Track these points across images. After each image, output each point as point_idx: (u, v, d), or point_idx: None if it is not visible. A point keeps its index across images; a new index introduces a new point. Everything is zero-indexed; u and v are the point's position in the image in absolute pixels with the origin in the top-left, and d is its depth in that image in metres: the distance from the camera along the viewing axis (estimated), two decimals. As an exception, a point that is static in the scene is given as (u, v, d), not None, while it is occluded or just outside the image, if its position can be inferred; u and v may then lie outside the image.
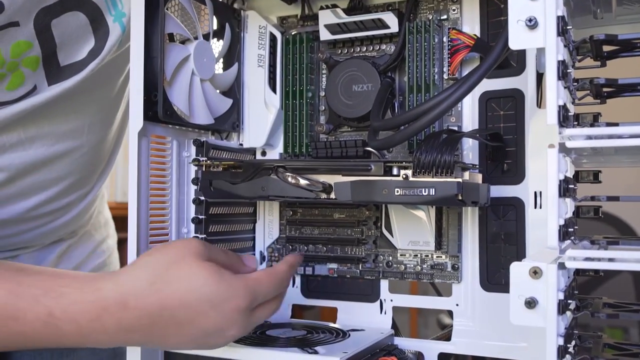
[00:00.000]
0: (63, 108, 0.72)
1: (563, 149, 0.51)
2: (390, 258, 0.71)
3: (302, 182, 0.60)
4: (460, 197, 0.55)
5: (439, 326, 1.73)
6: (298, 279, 0.76)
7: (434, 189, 0.55)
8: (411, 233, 0.70)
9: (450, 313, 0.70)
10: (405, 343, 0.70)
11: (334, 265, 0.74)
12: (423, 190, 0.56)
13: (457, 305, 0.69)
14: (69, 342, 0.54)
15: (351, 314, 0.74)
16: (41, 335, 0.53)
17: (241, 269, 0.59)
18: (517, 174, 0.65)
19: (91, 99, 0.75)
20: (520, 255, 0.64)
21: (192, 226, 0.68)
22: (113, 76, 0.78)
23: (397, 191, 0.57)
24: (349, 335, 0.67)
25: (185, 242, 0.57)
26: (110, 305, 0.53)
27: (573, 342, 0.55)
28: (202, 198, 0.68)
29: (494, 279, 0.66)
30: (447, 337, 0.69)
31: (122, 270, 0.56)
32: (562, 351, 0.48)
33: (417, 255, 0.70)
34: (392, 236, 0.71)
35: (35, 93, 0.69)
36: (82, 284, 0.54)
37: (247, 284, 0.55)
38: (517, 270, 0.48)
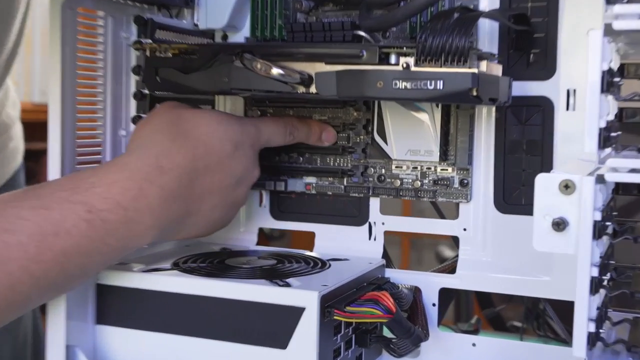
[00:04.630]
0: None
1: (609, 32, 0.50)
2: (383, 171, 0.72)
3: (275, 71, 0.59)
4: (475, 93, 0.54)
5: (438, 261, 1.76)
6: (266, 197, 0.77)
7: (442, 82, 0.55)
8: (410, 140, 0.70)
9: (455, 240, 0.70)
10: (399, 276, 0.71)
11: (312, 180, 0.74)
12: (428, 82, 0.55)
13: (464, 230, 0.69)
14: (115, 242, 0.57)
15: (333, 240, 0.74)
16: (86, 243, 0.55)
17: None
18: (546, 67, 0.65)
19: None
20: (546, 168, 0.64)
21: (132, 127, 0.68)
22: None
23: (396, 84, 0.56)
24: (330, 265, 0.68)
25: (160, 108, 0.66)
26: (149, 172, 0.59)
27: (609, 275, 0.56)
28: (146, 91, 0.68)
29: (512, 197, 0.67)
30: (451, 270, 0.70)
31: (130, 147, 0.63)
32: (595, 284, 0.49)
33: (416, 168, 0.70)
34: (386, 143, 0.71)
35: None
36: (105, 168, 0.60)
37: (250, 120, 0.68)
38: (544, 184, 0.48)
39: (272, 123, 0.69)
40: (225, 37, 0.74)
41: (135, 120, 0.68)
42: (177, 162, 0.60)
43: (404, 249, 2.40)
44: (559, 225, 0.48)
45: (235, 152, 0.64)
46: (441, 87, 0.55)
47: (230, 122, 0.65)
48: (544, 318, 0.79)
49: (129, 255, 0.64)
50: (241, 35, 0.73)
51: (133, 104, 0.68)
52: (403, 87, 0.56)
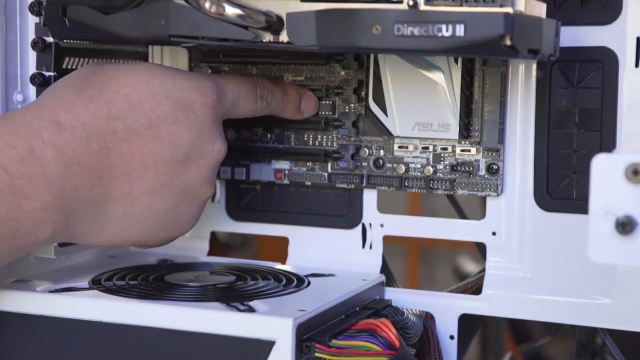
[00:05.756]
0: None
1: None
2: (382, 152, 0.72)
3: (231, 11, 0.59)
4: (508, 42, 0.54)
5: (458, 278, 1.78)
6: (222, 189, 0.77)
7: (463, 26, 0.54)
8: (419, 110, 0.70)
9: (481, 249, 0.71)
10: (405, 297, 0.71)
11: (283, 165, 0.75)
12: (444, 27, 0.54)
13: (493, 234, 0.70)
14: (1, 225, 0.55)
15: (313, 248, 0.75)
16: None
17: None
18: (607, 8, 0.65)
19: None
20: (607, 147, 0.65)
21: (33, 90, 0.68)
22: None
23: (399, 29, 0.55)
24: (308, 282, 0.68)
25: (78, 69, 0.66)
26: (41, 128, 0.57)
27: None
28: (50, 39, 0.68)
29: (560, 189, 0.67)
30: (475, 289, 0.71)
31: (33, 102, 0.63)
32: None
33: (427, 149, 0.71)
34: (386, 115, 0.71)
35: None
36: None
37: (207, 75, 0.67)
38: (604, 169, 0.48)
39: (237, 80, 0.68)
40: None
41: (36, 79, 0.67)
42: (82, 119, 0.59)
43: (411, 261, 2.41)
44: (625, 226, 0.47)
45: (179, 114, 0.62)
46: (462, 34, 0.54)
47: (171, 75, 0.64)
48: (603, 357, 0.79)
49: (29, 270, 0.64)
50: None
51: (32, 57, 0.68)
52: (409, 33, 0.55)
